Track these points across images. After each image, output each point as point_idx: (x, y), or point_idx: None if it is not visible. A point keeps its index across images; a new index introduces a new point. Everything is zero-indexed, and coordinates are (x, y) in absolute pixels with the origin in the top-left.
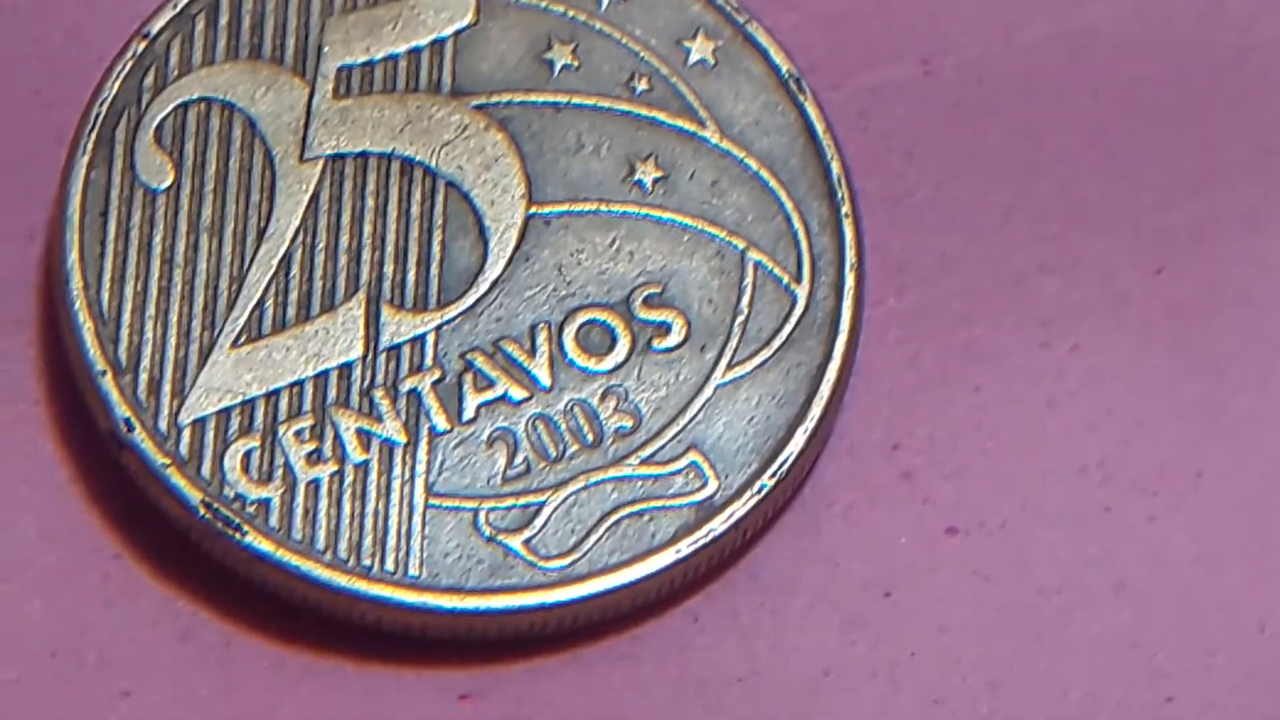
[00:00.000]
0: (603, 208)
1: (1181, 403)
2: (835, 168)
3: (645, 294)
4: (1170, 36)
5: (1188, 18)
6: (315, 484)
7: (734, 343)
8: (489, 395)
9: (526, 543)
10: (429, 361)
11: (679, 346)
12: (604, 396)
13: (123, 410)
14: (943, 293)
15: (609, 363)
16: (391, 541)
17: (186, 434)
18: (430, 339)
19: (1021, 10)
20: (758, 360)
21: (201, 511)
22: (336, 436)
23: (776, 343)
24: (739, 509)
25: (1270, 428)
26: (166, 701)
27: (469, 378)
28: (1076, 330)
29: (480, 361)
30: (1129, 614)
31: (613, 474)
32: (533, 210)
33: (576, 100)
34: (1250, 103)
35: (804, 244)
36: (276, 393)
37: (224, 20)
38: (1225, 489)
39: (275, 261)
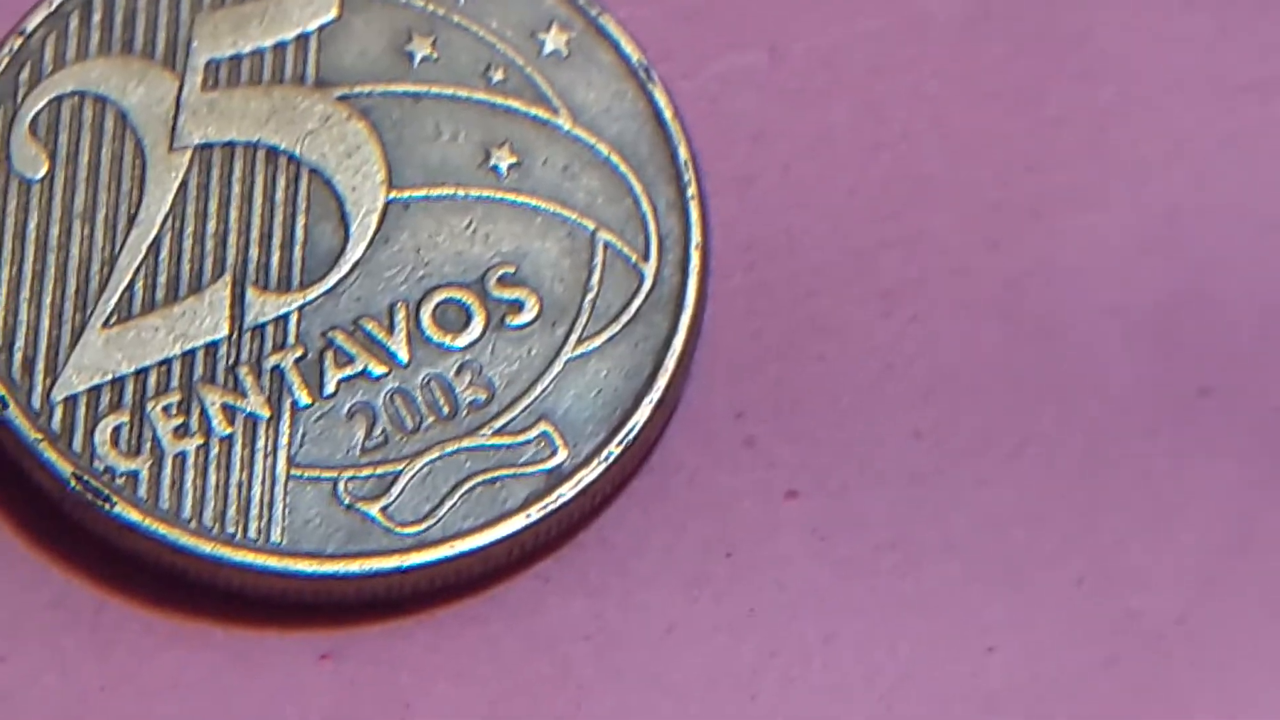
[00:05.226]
0: (459, 192)
1: (1011, 372)
2: (682, 152)
3: (500, 273)
4: (1010, 19)
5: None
6: (182, 456)
7: (584, 319)
8: (349, 371)
9: (384, 510)
10: (292, 339)
11: (531, 323)
12: (459, 371)
13: None
14: (788, 268)
15: (464, 339)
16: (254, 510)
17: (59, 410)
18: (293, 318)
19: None
20: (606, 335)
21: (73, 483)
22: (202, 411)
23: (624, 318)
24: (587, 475)
25: (1093, 397)
26: (40, 664)
27: (330, 354)
28: (916, 301)
29: (341, 339)
30: (957, 570)
31: (467, 444)
32: (392, 195)
33: (435, 90)
34: (1087, 82)
35: (651, 224)
36: (145, 370)
37: (97, 17)
38: (1049, 455)
39: (145, 246)
